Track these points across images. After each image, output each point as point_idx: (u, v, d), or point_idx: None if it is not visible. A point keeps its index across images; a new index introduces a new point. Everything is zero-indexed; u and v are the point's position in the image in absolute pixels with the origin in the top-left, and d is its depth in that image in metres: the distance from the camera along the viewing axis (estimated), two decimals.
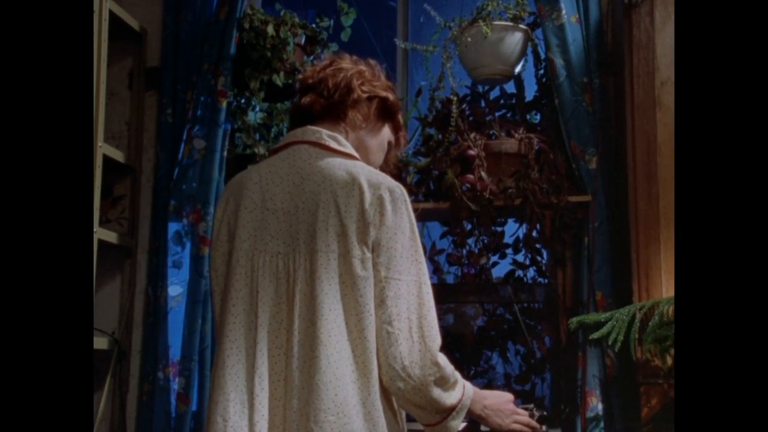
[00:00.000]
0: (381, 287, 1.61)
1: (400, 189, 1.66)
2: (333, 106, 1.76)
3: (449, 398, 1.66)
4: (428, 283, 1.67)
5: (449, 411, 1.66)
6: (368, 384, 1.59)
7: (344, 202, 1.62)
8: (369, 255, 1.61)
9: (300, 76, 1.93)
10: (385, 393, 1.63)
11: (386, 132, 1.84)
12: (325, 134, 1.72)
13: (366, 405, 1.58)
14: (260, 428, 1.57)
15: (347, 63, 1.81)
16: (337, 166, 1.66)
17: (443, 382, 1.64)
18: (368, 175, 1.66)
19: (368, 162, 1.78)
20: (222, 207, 1.74)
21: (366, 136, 1.80)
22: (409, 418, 1.74)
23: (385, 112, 1.82)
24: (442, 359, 1.64)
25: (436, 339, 1.63)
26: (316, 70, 1.81)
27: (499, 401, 1.78)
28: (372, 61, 1.85)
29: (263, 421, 1.57)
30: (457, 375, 1.68)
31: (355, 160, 1.71)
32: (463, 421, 1.72)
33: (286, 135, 1.79)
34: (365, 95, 1.77)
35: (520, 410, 1.82)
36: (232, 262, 1.66)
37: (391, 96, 1.82)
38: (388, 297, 1.60)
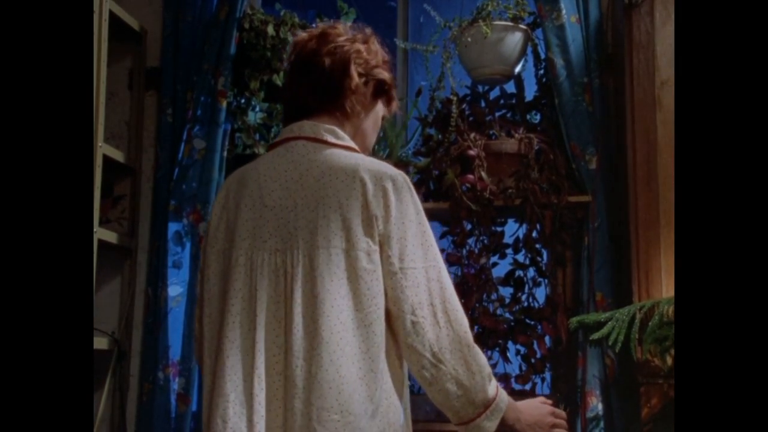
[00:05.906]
0: (396, 279, 1.57)
1: (402, 177, 1.63)
2: (329, 95, 1.70)
3: (483, 389, 1.59)
4: (444, 267, 1.64)
5: (484, 406, 1.59)
6: (376, 380, 1.55)
7: (345, 195, 1.59)
8: (375, 248, 1.58)
9: (294, 39, 1.81)
10: (395, 389, 1.60)
11: (379, 107, 1.79)
12: (323, 129, 1.68)
13: (374, 401, 1.54)
14: (259, 429, 1.53)
15: (343, 37, 1.73)
16: (336, 159, 1.64)
17: (477, 369, 1.58)
18: (369, 165, 1.63)
19: (365, 145, 1.75)
20: (221, 203, 1.70)
21: (362, 122, 1.75)
22: (416, 419, 1.71)
23: (380, 91, 1.77)
24: (473, 344, 1.60)
25: (463, 322, 1.60)
26: (310, 40, 1.74)
27: (535, 414, 1.69)
28: (368, 30, 1.78)
29: (263, 421, 1.54)
30: (491, 372, 1.63)
31: (354, 152, 1.68)
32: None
33: (283, 129, 1.74)
34: (362, 79, 1.72)
35: (559, 418, 1.71)
36: (232, 261, 1.63)
37: (387, 76, 1.76)
38: (407, 287, 1.58)
